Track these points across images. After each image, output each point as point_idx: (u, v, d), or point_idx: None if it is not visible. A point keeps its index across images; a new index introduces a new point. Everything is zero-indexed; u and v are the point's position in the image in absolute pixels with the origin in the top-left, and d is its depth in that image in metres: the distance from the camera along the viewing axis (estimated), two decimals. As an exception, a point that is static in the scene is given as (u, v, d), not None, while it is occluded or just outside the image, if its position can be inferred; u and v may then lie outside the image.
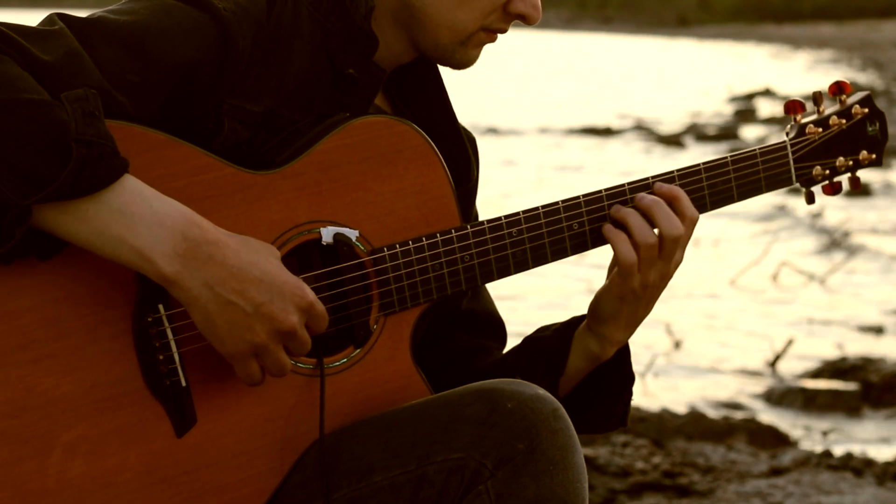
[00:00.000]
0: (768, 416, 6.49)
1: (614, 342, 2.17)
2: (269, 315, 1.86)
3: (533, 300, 8.91)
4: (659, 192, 2.13)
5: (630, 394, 2.23)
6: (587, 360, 2.18)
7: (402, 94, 2.22)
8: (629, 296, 2.12)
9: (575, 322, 2.21)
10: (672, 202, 2.12)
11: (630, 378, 2.22)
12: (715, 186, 2.19)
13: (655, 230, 2.10)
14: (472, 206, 2.27)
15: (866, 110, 2.29)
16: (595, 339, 2.17)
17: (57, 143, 1.76)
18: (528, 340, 2.23)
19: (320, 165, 2.00)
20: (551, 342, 2.20)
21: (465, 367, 2.26)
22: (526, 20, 2.12)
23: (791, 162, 2.25)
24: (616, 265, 2.12)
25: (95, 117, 1.79)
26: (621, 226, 2.11)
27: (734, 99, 27.57)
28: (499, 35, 2.15)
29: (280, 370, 1.91)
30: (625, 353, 2.20)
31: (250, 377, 1.90)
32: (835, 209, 12.90)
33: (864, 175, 2.33)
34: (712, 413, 6.07)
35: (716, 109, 25.16)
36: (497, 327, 2.33)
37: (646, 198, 2.12)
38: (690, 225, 2.13)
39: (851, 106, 2.28)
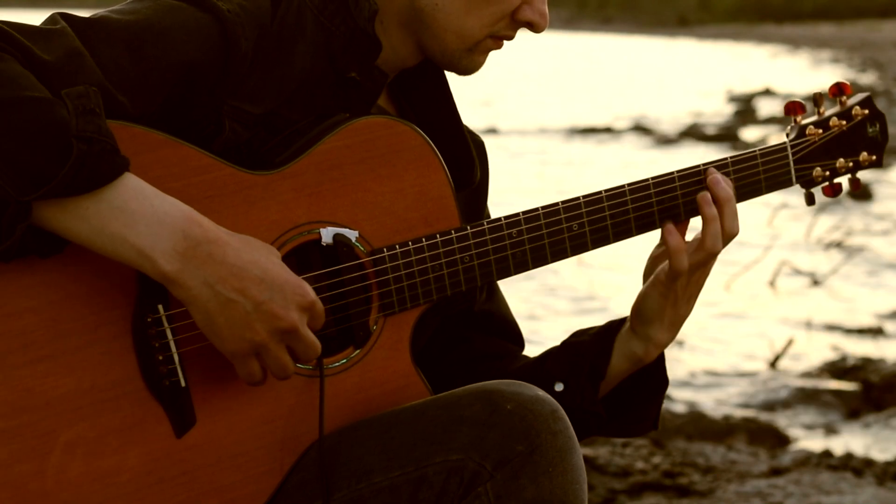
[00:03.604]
0: (768, 416, 6.49)
1: (659, 344, 2.17)
2: (269, 313, 1.86)
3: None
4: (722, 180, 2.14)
5: (663, 397, 2.24)
6: (630, 363, 2.18)
7: (408, 96, 2.23)
8: (672, 294, 2.13)
9: (615, 325, 2.21)
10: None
11: (664, 381, 2.22)
12: (715, 187, 2.19)
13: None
14: (483, 209, 2.27)
15: (866, 111, 2.29)
16: (639, 342, 2.17)
17: (57, 140, 1.76)
18: (566, 345, 2.23)
19: (320, 166, 2.00)
20: (592, 346, 2.20)
21: (492, 368, 2.25)
22: (533, 28, 2.12)
23: (791, 163, 2.25)
24: (665, 267, 2.12)
25: (96, 114, 1.79)
26: (683, 217, 2.13)
27: (734, 99, 27.56)
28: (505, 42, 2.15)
29: (282, 370, 1.91)
30: (660, 356, 2.20)
31: (251, 377, 1.90)
32: (835, 209, 12.90)
33: (864, 175, 2.32)
34: (712, 413, 6.06)
35: (716, 109, 25.15)
36: (513, 331, 2.33)
37: (723, 190, 2.13)
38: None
39: (852, 107, 2.28)
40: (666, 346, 2.18)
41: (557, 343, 2.24)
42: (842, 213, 12.89)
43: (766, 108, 24.89)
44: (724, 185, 2.14)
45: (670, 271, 2.12)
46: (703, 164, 2.19)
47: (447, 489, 1.91)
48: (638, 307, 2.17)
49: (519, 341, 2.34)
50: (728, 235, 2.13)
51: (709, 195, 2.13)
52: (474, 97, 24.49)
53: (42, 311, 1.84)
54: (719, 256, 2.14)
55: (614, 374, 2.19)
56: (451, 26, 2.10)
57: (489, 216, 2.27)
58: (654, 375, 2.22)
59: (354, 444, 1.98)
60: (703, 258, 2.12)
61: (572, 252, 2.13)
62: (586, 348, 2.20)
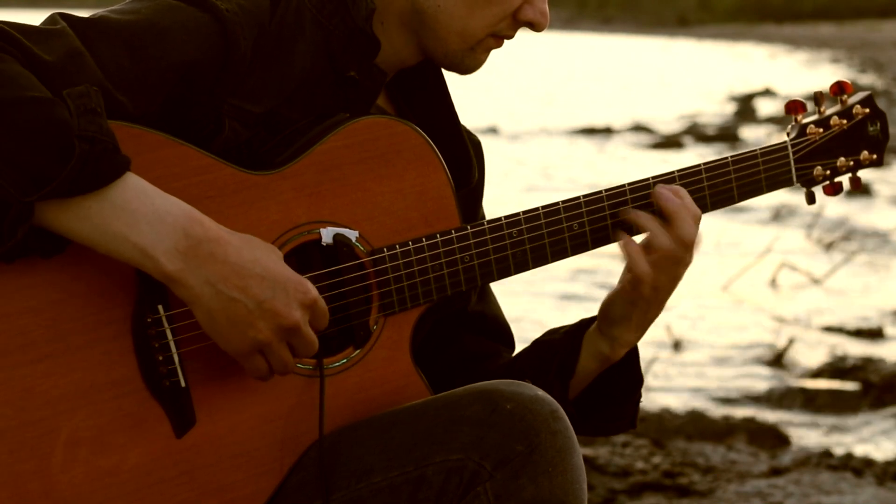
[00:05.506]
0: (768, 416, 6.49)
1: (625, 343, 2.17)
2: (271, 311, 1.86)
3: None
4: (666, 191, 2.12)
5: (639, 395, 2.24)
6: (598, 362, 2.18)
7: (406, 96, 2.23)
8: (641, 300, 2.13)
9: (584, 324, 2.21)
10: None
11: (639, 379, 2.22)
12: (715, 187, 2.19)
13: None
14: (479, 209, 2.27)
15: (867, 110, 2.29)
16: (606, 341, 2.17)
17: (59, 140, 1.76)
18: (537, 343, 2.23)
19: (320, 166, 2.00)
20: (561, 344, 2.20)
21: (478, 369, 2.26)
22: (534, 27, 2.13)
23: (792, 162, 2.25)
24: (629, 273, 2.11)
25: (97, 114, 1.79)
26: (634, 230, 2.12)
27: (734, 99, 27.56)
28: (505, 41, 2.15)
29: (284, 367, 1.91)
30: (633, 354, 2.20)
31: (258, 371, 1.91)
32: (835, 209, 12.90)
33: (865, 174, 2.32)
34: (712, 413, 6.06)
35: (716, 109, 25.15)
36: (505, 331, 2.33)
37: (669, 200, 2.11)
38: (698, 223, 2.13)
39: (852, 106, 2.28)
40: (633, 344, 2.18)
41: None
42: (842, 213, 12.89)
43: (766, 108, 24.89)
44: (671, 198, 2.12)
45: (632, 278, 2.11)
46: (704, 164, 2.19)
47: (447, 489, 1.91)
48: (605, 310, 2.17)
49: (510, 342, 2.34)
50: (684, 241, 2.11)
51: (658, 195, 2.12)
52: (474, 97, 24.49)
53: (42, 311, 1.84)
54: (721, 256, 2.13)
55: (584, 372, 2.19)
56: (453, 27, 2.10)
57: (484, 216, 2.27)
58: (628, 373, 2.22)
59: (354, 443, 1.98)
60: (658, 260, 2.11)
61: (573, 252, 2.13)
62: (556, 346, 2.20)
